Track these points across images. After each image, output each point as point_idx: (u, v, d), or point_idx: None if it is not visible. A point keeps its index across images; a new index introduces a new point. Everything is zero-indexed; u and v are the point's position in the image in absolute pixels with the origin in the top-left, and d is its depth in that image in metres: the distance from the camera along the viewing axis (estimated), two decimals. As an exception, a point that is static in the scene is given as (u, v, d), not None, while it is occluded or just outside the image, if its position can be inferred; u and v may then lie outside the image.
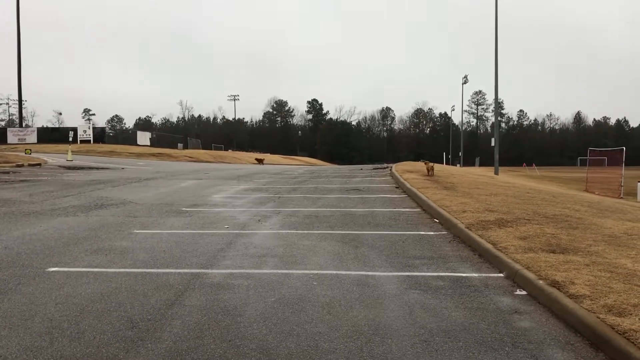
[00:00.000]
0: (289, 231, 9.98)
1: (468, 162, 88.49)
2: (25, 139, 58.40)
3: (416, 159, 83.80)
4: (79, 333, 4.77)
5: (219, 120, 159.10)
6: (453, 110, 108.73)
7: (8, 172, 24.67)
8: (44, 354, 4.31)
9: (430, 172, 20.81)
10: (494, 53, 36.74)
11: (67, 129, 62.39)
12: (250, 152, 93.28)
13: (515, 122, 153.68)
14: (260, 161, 52.85)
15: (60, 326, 4.95)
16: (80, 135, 59.69)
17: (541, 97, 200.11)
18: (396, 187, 18.46)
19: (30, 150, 40.05)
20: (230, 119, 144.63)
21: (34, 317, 5.21)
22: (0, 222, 10.71)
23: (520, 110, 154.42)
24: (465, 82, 74.98)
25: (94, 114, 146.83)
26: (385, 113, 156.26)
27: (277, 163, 61.13)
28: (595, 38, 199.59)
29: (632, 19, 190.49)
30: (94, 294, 5.95)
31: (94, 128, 67.03)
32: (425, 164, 22.52)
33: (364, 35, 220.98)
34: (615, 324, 4.57)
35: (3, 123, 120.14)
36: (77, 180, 21.04)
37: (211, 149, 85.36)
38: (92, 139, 60.05)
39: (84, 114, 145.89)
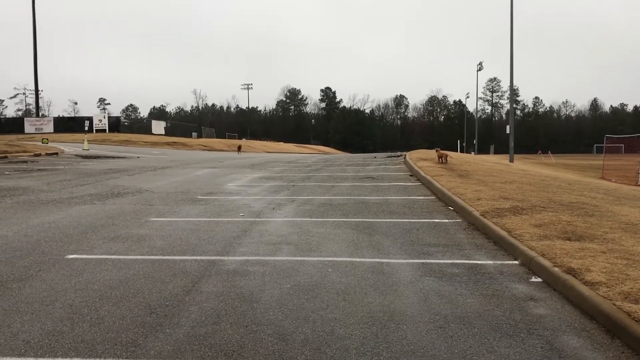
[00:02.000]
0: (304, 219, 10.03)
1: (483, 149, 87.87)
2: (42, 129, 59.05)
3: (430, 147, 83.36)
4: (99, 318, 4.86)
5: (232, 109, 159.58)
6: (467, 97, 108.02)
7: (26, 161, 25.00)
8: (66, 338, 4.41)
9: (442, 160, 20.59)
10: (510, 39, 36.36)
11: (83, 119, 63.01)
12: (263, 140, 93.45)
13: (531, 109, 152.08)
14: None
15: (80, 312, 5.04)
16: (95, 124, 60.20)
17: (557, 84, 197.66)
18: (410, 175, 18.42)
19: (47, 139, 40.48)
20: (244, 107, 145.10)
21: (55, 302, 5.31)
22: (20, 210, 10.88)
23: (536, 97, 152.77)
24: (480, 69, 74.36)
25: (109, 104, 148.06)
26: (399, 101, 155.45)
27: (289, 151, 61.16)
28: (612, 25, 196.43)
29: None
30: (112, 281, 6.05)
31: (109, 117, 67.55)
32: (436, 152, 22.32)
33: (378, 22, 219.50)
34: (632, 311, 4.56)
35: (20, 113, 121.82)
36: (94, 169, 21.26)
37: (225, 138, 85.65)
38: (107, 128, 60.52)
39: (99, 104, 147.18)
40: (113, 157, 29.26)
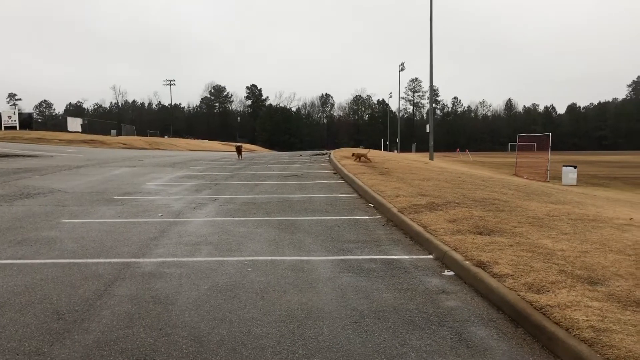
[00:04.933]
0: (225, 218, 9.90)
1: (405, 148, 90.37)
2: (-59, 125, 54.96)
3: (356, 145, 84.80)
4: (0, 328, 4.58)
5: (154, 105, 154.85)
6: (390, 97, 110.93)
7: None
8: (-39, 350, 4.12)
9: (359, 160, 21.01)
10: (429, 40, 37.53)
11: (-10, 115, 59.13)
12: (187, 138, 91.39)
13: (450, 109, 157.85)
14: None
15: (-21, 321, 4.73)
16: (4, 121, 56.69)
17: (474, 85, 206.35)
18: (334, 173, 18.63)
19: (-51, 137, 37.71)
20: (167, 104, 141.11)
21: (-49, 312, 4.95)
22: None
23: (455, 97, 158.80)
24: (402, 70, 76.21)
25: (20, 99, 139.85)
26: (325, 99, 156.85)
27: (214, 149, 60.22)
28: (526, 29, 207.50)
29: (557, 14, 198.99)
30: (17, 287, 5.71)
31: (20, 113, 63.79)
32: (353, 155, 22.71)
33: (304, 20, 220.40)
34: (534, 301, 4.83)
35: None
36: (1, 168, 19.99)
37: (147, 136, 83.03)
38: (18, 125, 57.17)
39: (8, 99, 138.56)
40: (24, 156, 27.64)
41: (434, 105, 41.40)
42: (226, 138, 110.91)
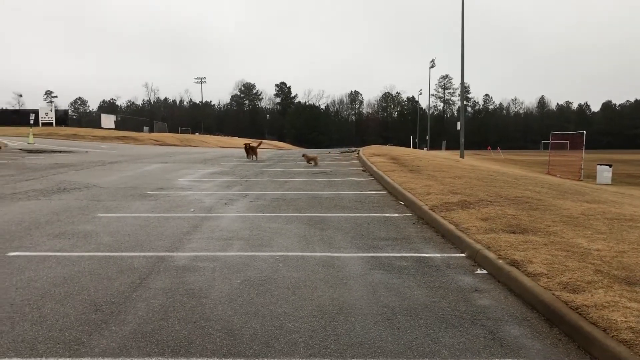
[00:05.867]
0: (256, 214, 9.99)
1: (435, 145, 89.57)
2: (-17, 122, 56.57)
3: (384, 142, 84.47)
4: (41, 317, 4.72)
5: (185, 103, 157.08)
6: (420, 94, 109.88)
7: (-35, 156, 23.91)
8: (5, 338, 4.26)
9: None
10: (460, 37, 37.09)
11: (28, 112, 60.53)
12: (217, 135, 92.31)
13: (481, 106, 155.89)
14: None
15: (21, 311, 4.88)
16: (42, 118, 58.12)
17: (507, 82, 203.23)
18: (363, 170, 18.60)
19: (-11, 133, 38.80)
20: (197, 102, 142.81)
21: (-6, 301, 5.12)
22: (-42, 206, 10.42)
23: (486, 95, 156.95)
24: (432, 66, 75.53)
25: (56, 97, 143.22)
26: (354, 97, 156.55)
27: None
28: (560, 24, 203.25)
29: (589, 9, 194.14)
30: (56, 278, 5.87)
31: (56, 110, 65.33)
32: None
33: (334, 17, 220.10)
34: (569, 300, 4.76)
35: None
36: (39, 163, 20.53)
37: (178, 133, 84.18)
38: (54, 121, 58.57)
39: (45, 96, 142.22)
40: (60, 152, 28.31)
41: (464, 102, 40.83)
42: (255, 135, 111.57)
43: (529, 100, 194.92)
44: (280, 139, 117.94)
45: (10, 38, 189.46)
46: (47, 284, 5.67)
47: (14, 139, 38.93)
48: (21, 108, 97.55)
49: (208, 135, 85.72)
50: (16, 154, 26.32)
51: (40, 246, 7.34)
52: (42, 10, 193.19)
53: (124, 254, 6.97)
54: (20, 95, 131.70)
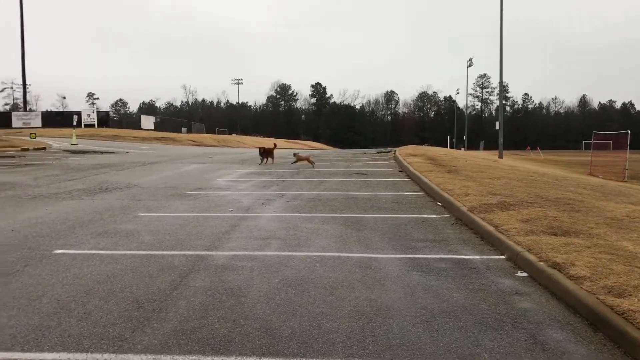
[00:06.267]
0: (293, 214, 10.05)
1: (472, 145, 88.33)
2: (29, 123, 58.50)
3: (420, 142, 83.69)
4: (86, 313, 4.86)
5: (222, 104, 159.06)
6: (458, 93, 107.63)
7: (13, 156, 24.78)
8: (52, 333, 4.40)
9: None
10: (499, 34, 36.46)
11: (71, 113, 62.38)
12: (253, 136, 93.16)
13: (520, 106, 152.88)
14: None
15: (67, 307, 5.04)
16: (84, 119, 59.72)
17: (547, 81, 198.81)
18: (399, 171, 18.49)
19: (35, 134, 40.14)
20: (234, 103, 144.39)
21: (42, 297, 5.30)
22: (7, 205, 10.81)
23: (525, 94, 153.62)
24: (470, 65, 74.55)
25: (97, 98, 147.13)
26: (390, 96, 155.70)
27: (279, 147, 60.89)
28: (600, 22, 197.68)
29: (633, 5, 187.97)
30: (100, 276, 6.03)
31: (98, 112, 66.96)
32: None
33: (369, 18, 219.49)
34: (615, 305, 4.63)
35: (7, 107, 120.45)
36: (82, 164, 21.13)
37: (215, 133, 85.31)
38: (96, 123, 60.07)
39: (87, 98, 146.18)
40: (102, 152, 29.06)
41: (503, 101, 39.99)
42: (291, 136, 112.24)
43: (569, 99, 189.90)
44: (315, 139, 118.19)
45: (54, 42, 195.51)
46: (91, 281, 5.83)
47: (58, 139, 40.18)
48: (65, 110, 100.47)
49: (244, 136, 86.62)
50: (60, 154, 27.15)
51: (84, 244, 7.56)
52: (84, 15, 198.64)
53: (164, 252, 7.11)
54: (64, 98, 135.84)
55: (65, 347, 4.15)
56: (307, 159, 21.24)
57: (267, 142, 64.24)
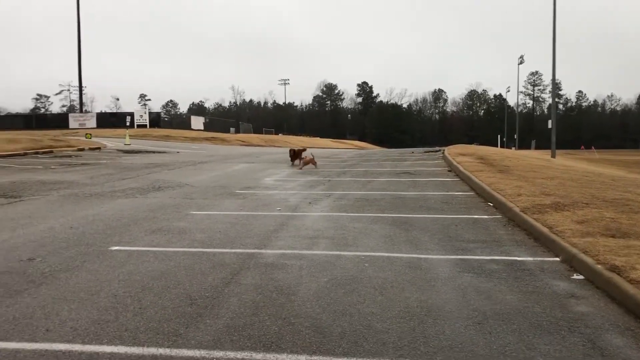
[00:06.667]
0: (340, 214, 10.05)
1: (523, 145, 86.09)
2: (85, 124, 60.62)
3: (469, 141, 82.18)
4: (142, 309, 5.00)
5: (269, 104, 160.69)
6: (508, 91, 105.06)
7: (70, 156, 25.76)
8: (110, 327, 4.55)
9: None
10: (552, 30, 35.43)
11: (125, 114, 64.25)
12: (299, 135, 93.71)
13: (574, 104, 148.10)
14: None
15: (124, 302, 5.20)
16: (137, 120, 61.41)
17: (602, 78, 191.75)
18: (448, 171, 18.23)
19: (90, 134, 41.55)
20: (281, 103, 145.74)
21: (100, 292, 5.49)
22: (66, 203, 11.25)
23: (579, 91, 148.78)
24: (521, 62, 72.75)
25: (149, 99, 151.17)
26: (438, 95, 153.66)
27: (325, 146, 61.08)
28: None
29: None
30: (154, 272, 6.20)
31: (149, 113, 68.77)
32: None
33: (415, 15, 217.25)
34: (679, 311, 4.42)
35: (64, 109, 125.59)
36: (135, 163, 21.76)
37: (262, 133, 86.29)
38: (148, 123, 61.67)
39: (140, 99, 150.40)
40: (154, 152, 29.85)
41: (556, 99, 38.82)
42: (337, 135, 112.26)
43: (627, 97, 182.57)
44: (361, 138, 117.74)
45: (109, 45, 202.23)
46: (146, 277, 5.99)
47: (112, 139, 41.48)
48: (118, 111, 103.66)
49: (291, 136, 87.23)
50: (114, 154, 28.04)
51: (138, 241, 7.78)
52: (136, 18, 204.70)
53: (215, 250, 7.24)
54: (118, 99, 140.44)
55: (123, 340, 4.28)
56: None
57: (314, 141, 64.50)
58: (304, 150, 22.93)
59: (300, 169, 19.79)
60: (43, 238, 7.95)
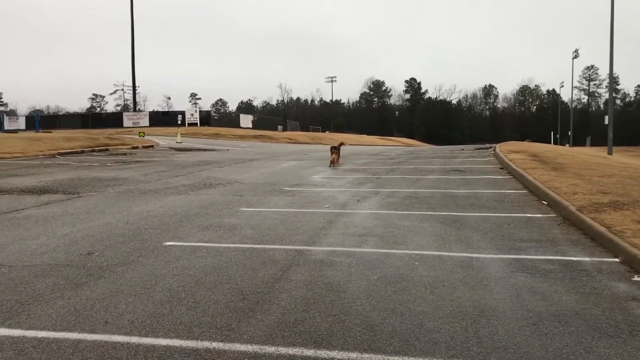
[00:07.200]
0: (389, 211, 9.99)
1: (578, 141, 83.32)
2: (138, 123, 62.42)
3: (521, 138, 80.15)
4: (195, 303, 5.12)
5: (316, 102, 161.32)
6: (562, 86, 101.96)
7: (125, 154, 26.59)
8: (166, 320, 4.68)
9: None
10: (610, 22, 34.10)
11: (176, 113, 65.67)
12: (346, 133, 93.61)
13: (632, 98, 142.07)
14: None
15: (178, 296, 5.33)
16: (187, 118, 62.73)
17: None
18: (500, 168, 17.84)
19: (144, 133, 42.74)
20: (328, 100, 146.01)
21: (155, 286, 5.64)
22: (122, 199, 11.62)
23: (638, 85, 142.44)
24: (576, 57, 70.47)
25: (199, 98, 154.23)
26: (488, 91, 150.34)
27: (372, 144, 60.79)
28: None
29: None
30: (206, 267, 6.33)
31: (200, 111, 70.12)
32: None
33: (465, 11, 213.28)
34: None
35: (119, 108, 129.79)
36: (187, 161, 22.26)
37: (309, 131, 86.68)
38: (198, 122, 62.93)
39: (190, 98, 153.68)
40: (204, 150, 30.45)
41: (613, 94, 37.38)
42: (384, 132, 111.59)
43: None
44: (409, 136, 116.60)
45: (161, 46, 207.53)
46: (198, 272, 6.12)
47: (164, 138, 42.61)
48: (170, 110, 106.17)
49: (338, 133, 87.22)
50: (166, 152, 28.78)
51: (191, 237, 7.96)
52: (186, 18, 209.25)
53: (266, 246, 7.33)
54: (169, 98, 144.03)
55: (178, 334, 4.39)
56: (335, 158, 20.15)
57: (361, 139, 64.28)
58: (342, 145, 22.57)
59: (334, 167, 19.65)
60: (100, 233, 8.24)
